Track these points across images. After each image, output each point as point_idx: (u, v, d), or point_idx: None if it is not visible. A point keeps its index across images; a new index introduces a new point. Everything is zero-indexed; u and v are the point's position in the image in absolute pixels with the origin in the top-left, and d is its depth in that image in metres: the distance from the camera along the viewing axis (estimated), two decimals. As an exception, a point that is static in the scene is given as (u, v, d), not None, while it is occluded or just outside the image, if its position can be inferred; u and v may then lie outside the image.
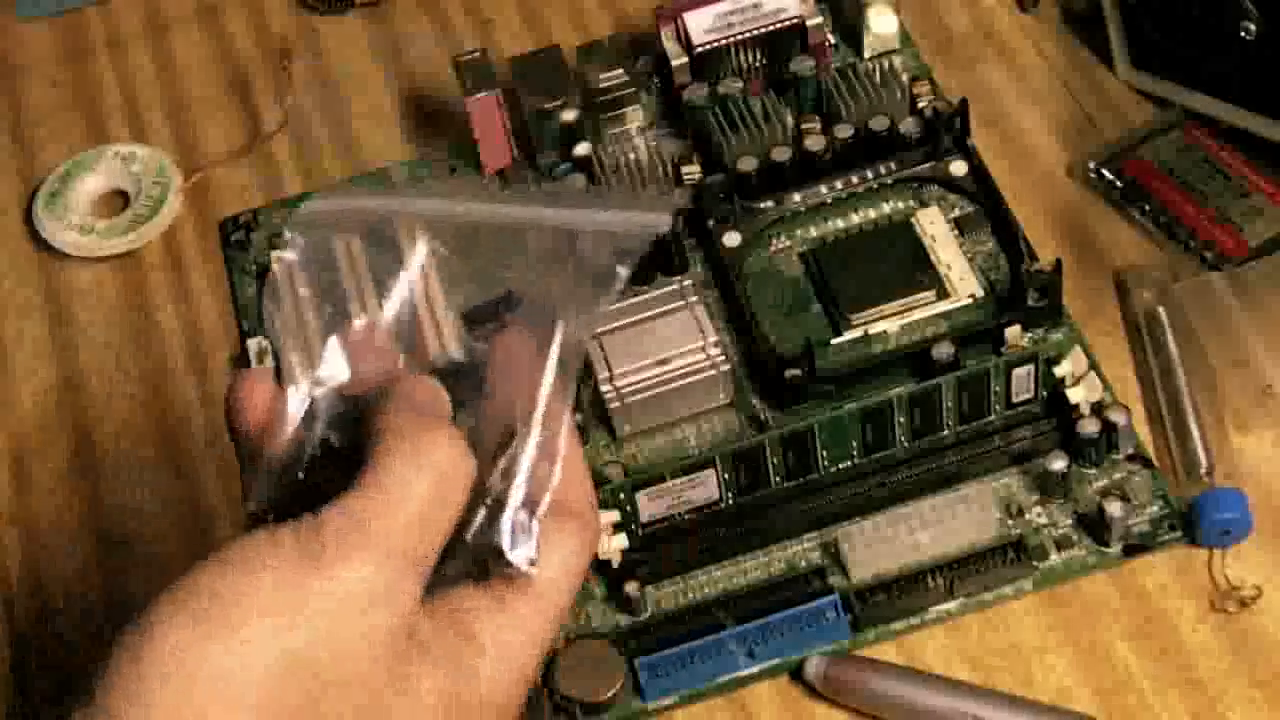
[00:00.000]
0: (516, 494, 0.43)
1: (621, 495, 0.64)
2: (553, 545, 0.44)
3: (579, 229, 0.45)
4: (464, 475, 0.43)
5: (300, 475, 0.45)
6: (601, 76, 0.78)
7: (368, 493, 0.42)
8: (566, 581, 0.45)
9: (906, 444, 0.66)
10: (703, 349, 0.69)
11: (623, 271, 0.44)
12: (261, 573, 0.41)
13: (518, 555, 0.43)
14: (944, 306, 0.71)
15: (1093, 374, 0.66)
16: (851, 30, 0.81)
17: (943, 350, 0.67)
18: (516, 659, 0.44)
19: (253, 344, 0.73)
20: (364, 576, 0.41)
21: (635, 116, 0.79)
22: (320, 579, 0.41)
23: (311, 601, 0.41)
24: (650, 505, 0.65)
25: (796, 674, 0.63)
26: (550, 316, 0.44)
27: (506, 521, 0.43)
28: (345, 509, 0.42)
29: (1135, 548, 0.64)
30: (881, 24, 0.80)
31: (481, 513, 0.43)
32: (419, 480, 0.42)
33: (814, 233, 0.74)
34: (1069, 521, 0.65)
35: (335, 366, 0.45)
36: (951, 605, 0.64)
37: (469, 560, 0.44)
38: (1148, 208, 0.73)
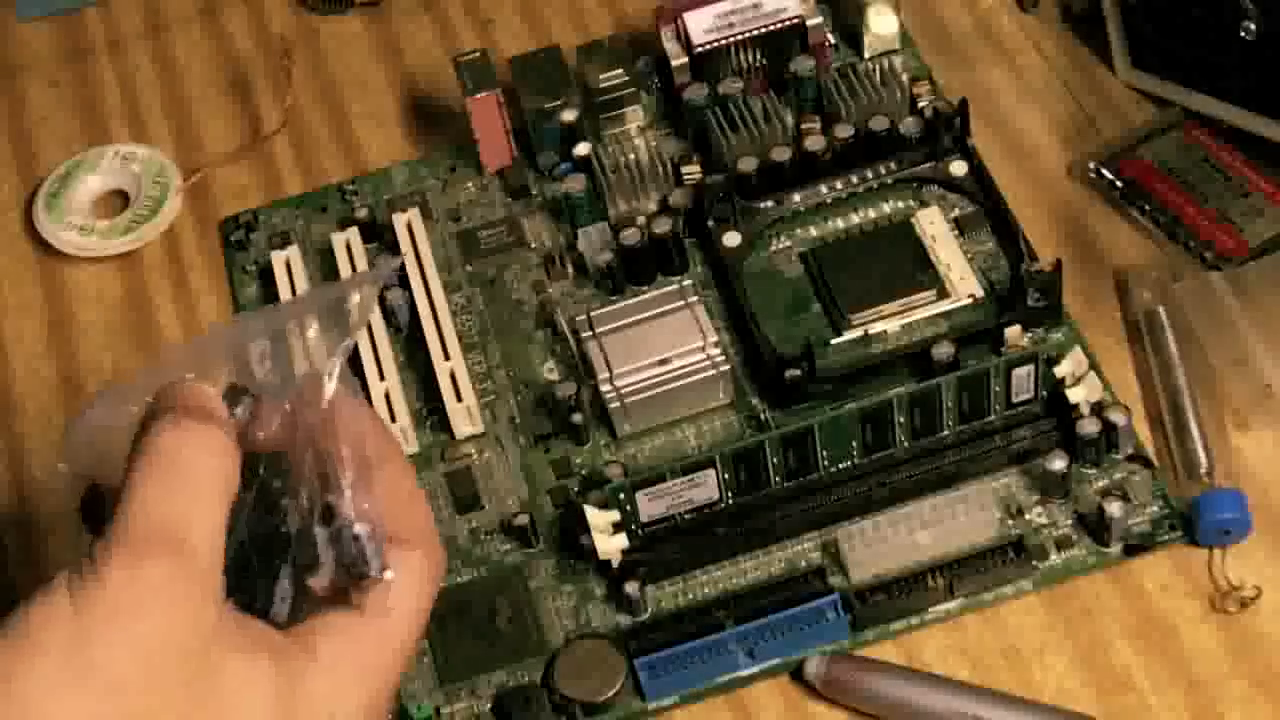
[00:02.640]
0: (353, 526, 0.45)
1: (621, 495, 0.64)
2: (398, 568, 0.45)
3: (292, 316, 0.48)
4: (219, 471, 0.44)
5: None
6: (601, 76, 0.78)
7: (126, 512, 0.43)
8: (413, 601, 0.46)
9: (906, 444, 0.66)
10: (703, 349, 0.69)
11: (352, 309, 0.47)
12: (44, 633, 0.42)
13: (371, 567, 0.44)
14: (944, 306, 0.71)
15: (1093, 374, 0.66)
16: (851, 30, 0.81)
17: (943, 350, 0.67)
18: (354, 679, 0.44)
19: (253, 344, 0.73)
20: (140, 580, 0.42)
21: (635, 116, 0.79)
22: (105, 607, 0.42)
23: (98, 627, 0.41)
24: (650, 505, 0.65)
25: (796, 674, 0.63)
26: (293, 384, 0.46)
27: (349, 544, 0.45)
28: (111, 536, 0.43)
29: (1135, 548, 0.64)
30: (881, 24, 0.80)
31: (325, 539, 0.45)
32: (174, 486, 0.44)
33: (814, 233, 0.74)
34: (1069, 521, 0.65)
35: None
36: (951, 605, 0.64)
37: (332, 576, 0.45)
38: (1148, 208, 0.73)
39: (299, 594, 0.45)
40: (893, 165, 0.74)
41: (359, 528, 0.44)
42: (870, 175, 0.74)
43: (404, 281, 0.74)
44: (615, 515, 0.64)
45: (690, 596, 0.65)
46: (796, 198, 0.74)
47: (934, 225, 0.73)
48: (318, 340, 0.47)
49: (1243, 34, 0.70)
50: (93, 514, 0.48)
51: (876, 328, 0.70)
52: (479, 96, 0.76)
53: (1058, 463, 0.64)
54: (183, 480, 0.44)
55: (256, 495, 0.46)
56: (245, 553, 0.45)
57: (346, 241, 0.76)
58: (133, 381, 0.46)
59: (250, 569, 0.45)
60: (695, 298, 0.70)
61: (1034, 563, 0.64)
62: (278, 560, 0.45)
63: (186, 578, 0.42)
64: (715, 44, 0.77)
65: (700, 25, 0.77)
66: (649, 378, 0.69)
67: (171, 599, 0.42)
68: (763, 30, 0.77)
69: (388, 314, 0.74)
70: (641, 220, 0.74)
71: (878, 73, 0.76)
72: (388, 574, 0.44)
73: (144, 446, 0.44)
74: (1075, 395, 0.65)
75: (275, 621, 0.45)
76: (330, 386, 0.46)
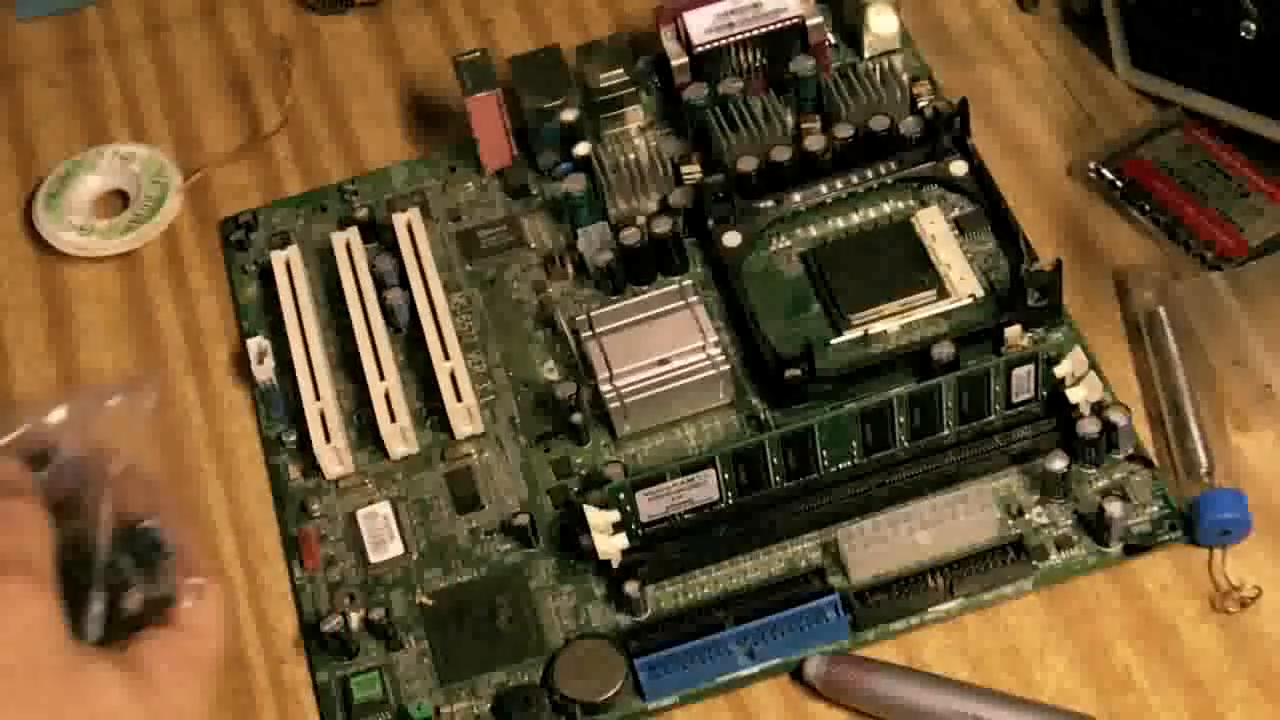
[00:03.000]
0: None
1: (621, 495, 0.64)
2: (198, 596, 0.53)
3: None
4: (40, 528, 0.51)
5: None
6: (601, 76, 0.78)
7: None
8: (215, 621, 0.53)
9: (906, 444, 0.66)
10: (703, 349, 0.69)
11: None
12: None
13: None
14: (944, 306, 0.71)
15: (1093, 374, 0.66)
16: (851, 30, 0.81)
17: (943, 350, 0.67)
18: (185, 675, 0.52)
19: (253, 344, 0.73)
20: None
21: (635, 116, 0.79)
22: None
23: None
24: (650, 505, 0.65)
25: (796, 674, 0.63)
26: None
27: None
28: None
29: (1135, 548, 0.64)
30: (881, 24, 0.80)
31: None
32: None
33: (814, 233, 0.74)
34: (1069, 521, 0.65)
35: None
36: (951, 605, 0.64)
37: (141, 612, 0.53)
38: (1148, 208, 0.73)
39: (111, 619, 0.52)
40: (893, 165, 0.74)
41: (166, 534, 0.53)
42: (870, 175, 0.74)
43: (404, 281, 0.74)
44: (615, 515, 0.64)
45: (690, 596, 0.65)
46: (796, 198, 0.74)
47: (934, 225, 0.73)
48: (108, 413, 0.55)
49: (1243, 34, 0.70)
50: None
51: (876, 328, 0.70)
52: (479, 96, 0.76)
53: (1058, 463, 0.64)
54: (17, 531, 0.50)
55: (64, 536, 0.52)
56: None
57: (346, 241, 0.76)
58: None
59: (68, 599, 0.51)
60: (695, 298, 0.70)
61: (1034, 563, 0.64)
62: (87, 588, 0.51)
63: (38, 592, 0.49)
64: (715, 44, 0.77)
65: (700, 25, 0.77)
66: (649, 378, 0.69)
67: (32, 609, 0.48)
68: (763, 30, 0.77)
69: (388, 314, 0.74)
70: (641, 220, 0.74)
71: (878, 73, 0.76)
72: (193, 580, 0.53)
73: None
74: (1075, 395, 0.65)
75: (87, 641, 0.51)
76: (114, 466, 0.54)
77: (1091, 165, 0.75)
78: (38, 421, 0.54)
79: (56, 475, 0.53)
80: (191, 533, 0.55)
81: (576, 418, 0.69)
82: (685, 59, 0.77)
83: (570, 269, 0.75)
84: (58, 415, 0.54)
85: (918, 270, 0.71)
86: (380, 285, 0.74)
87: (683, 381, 0.69)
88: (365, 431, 0.71)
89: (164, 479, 0.56)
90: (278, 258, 0.76)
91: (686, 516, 0.65)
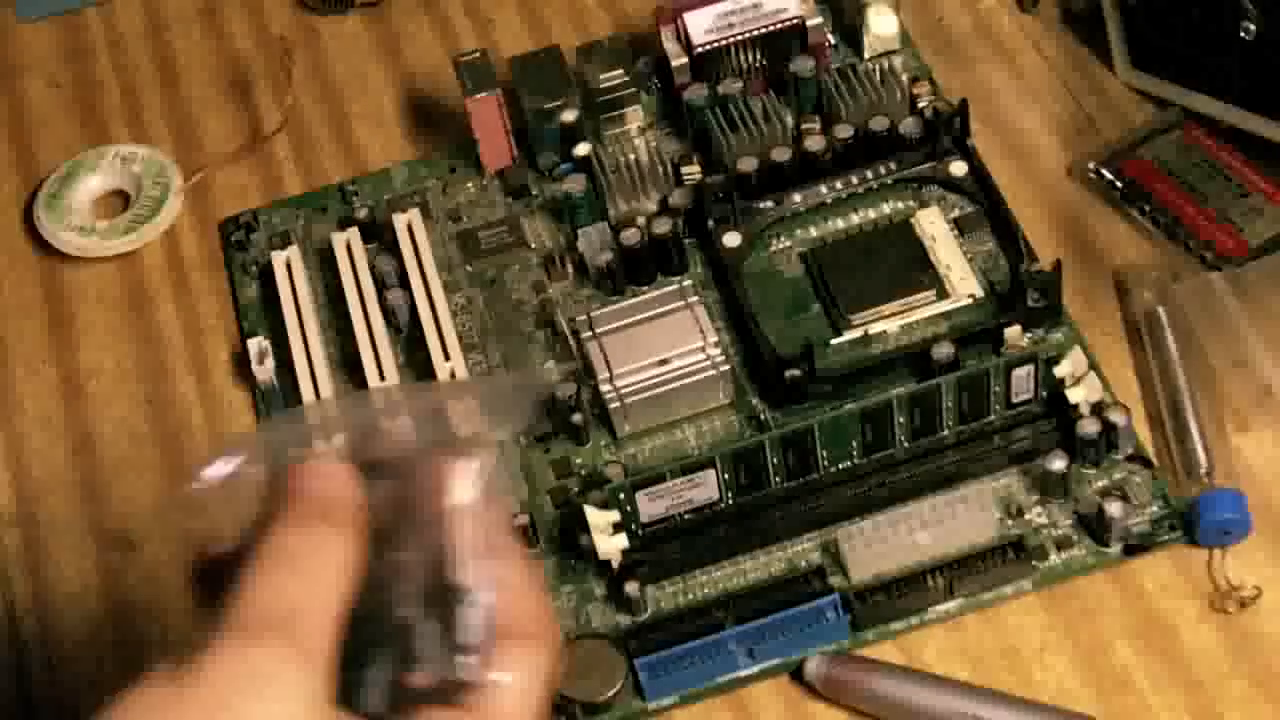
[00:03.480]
0: (465, 628, 0.43)
1: (621, 495, 0.64)
2: (510, 666, 0.43)
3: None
4: (340, 567, 0.42)
5: None
6: (601, 76, 0.78)
7: (239, 598, 0.41)
8: (526, 699, 0.43)
9: (906, 444, 0.66)
10: (703, 349, 0.69)
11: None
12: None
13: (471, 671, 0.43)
14: (944, 306, 0.71)
15: (1093, 374, 0.66)
16: (851, 30, 0.81)
17: (943, 350, 0.67)
18: None
19: (253, 344, 0.73)
20: (249, 664, 0.40)
21: (635, 116, 0.79)
22: (210, 690, 0.40)
23: (202, 713, 0.39)
24: (650, 505, 0.65)
25: (796, 674, 0.63)
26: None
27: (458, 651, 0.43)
28: (220, 619, 0.41)
29: (1135, 548, 0.64)
30: (881, 24, 0.80)
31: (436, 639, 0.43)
32: (289, 581, 0.42)
33: (814, 233, 0.74)
34: (1069, 521, 0.65)
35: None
36: (951, 605, 0.64)
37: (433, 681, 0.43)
38: (1148, 208, 0.73)
39: (396, 690, 0.42)
40: (893, 165, 0.74)
41: (480, 598, 0.42)
42: (870, 175, 0.74)
43: (404, 282, 0.74)
44: (615, 515, 0.64)
45: (690, 596, 0.65)
46: (796, 198, 0.74)
47: (934, 225, 0.73)
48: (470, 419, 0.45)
49: (1243, 34, 0.70)
50: (208, 583, 0.45)
51: (876, 328, 0.70)
52: (479, 96, 0.76)
53: (1058, 463, 0.64)
54: (301, 576, 0.42)
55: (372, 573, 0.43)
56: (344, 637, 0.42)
57: (346, 241, 0.76)
58: (251, 438, 0.44)
59: (347, 654, 0.42)
60: (695, 298, 0.70)
61: (1034, 563, 0.64)
62: (376, 648, 0.43)
63: (298, 665, 0.40)
64: (715, 44, 0.77)
65: (700, 25, 0.77)
66: (649, 378, 0.69)
67: (283, 686, 0.40)
68: (763, 30, 0.77)
69: (388, 314, 0.74)
70: (641, 220, 0.74)
71: (878, 73, 0.76)
72: (493, 676, 0.42)
73: (263, 543, 0.42)
74: (1075, 395, 0.65)
75: (366, 712, 0.42)
76: (468, 488, 0.43)
77: (1091, 165, 0.75)
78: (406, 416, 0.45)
79: (382, 493, 0.44)
80: (529, 587, 0.45)
81: (576, 418, 0.69)
82: (685, 59, 0.77)
83: (570, 269, 0.75)
84: (462, 408, 0.44)
85: (918, 270, 0.71)
86: (380, 285, 0.74)
87: (683, 381, 0.69)
88: (365, 431, 0.71)
89: (508, 535, 0.45)
90: (278, 258, 0.76)
91: (686, 516, 0.65)
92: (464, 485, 0.43)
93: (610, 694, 0.63)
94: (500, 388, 0.46)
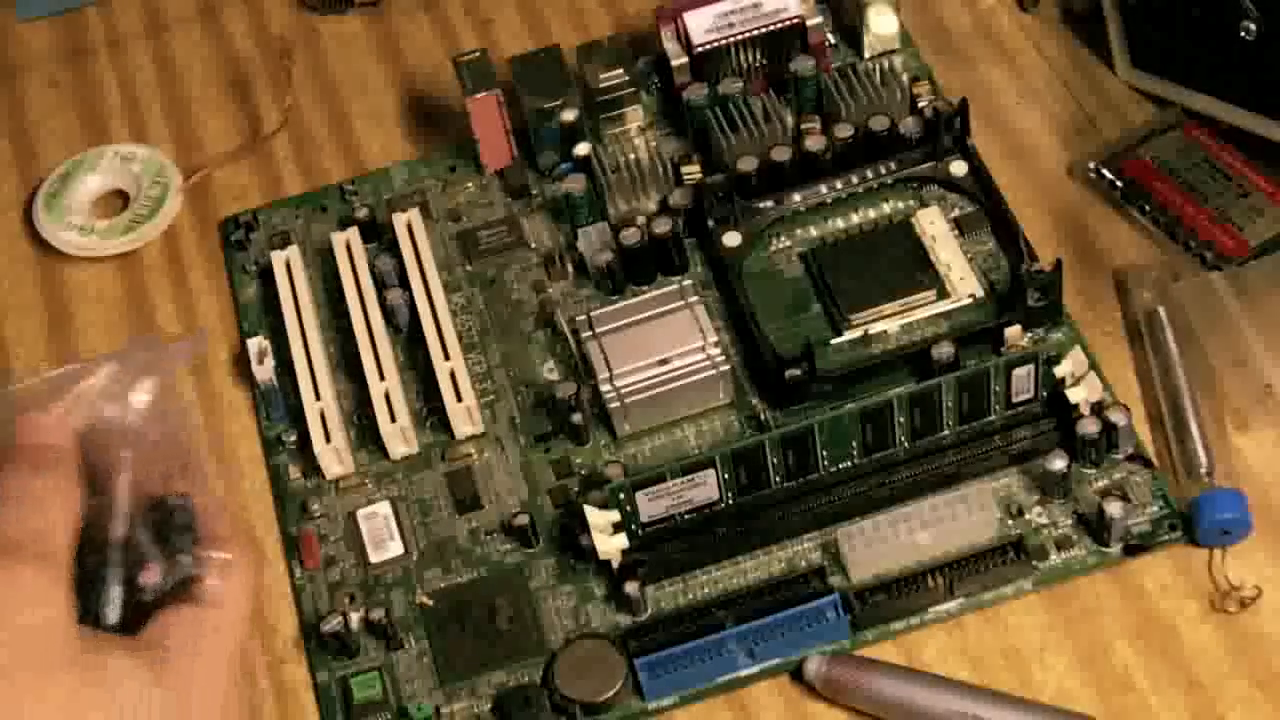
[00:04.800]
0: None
1: (621, 495, 0.64)
2: (222, 569, 0.51)
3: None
4: (67, 503, 0.50)
5: None
6: (601, 76, 0.78)
7: None
8: (240, 594, 0.51)
9: (906, 444, 0.66)
10: (703, 349, 0.69)
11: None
12: None
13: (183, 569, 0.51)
14: (944, 306, 0.71)
15: (1093, 374, 0.66)
16: (851, 30, 0.81)
17: (943, 350, 0.67)
18: (208, 654, 0.50)
19: (252, 344, 0.73)
20: (12, 580, 0.47)
21: (635, 116, 0.79)
22: None
23: None
24: (650, 505, 0.65)
25: (796, 674, 0.63)
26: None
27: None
28: None
29: (1135, 548, 0.64)
30: (881, 24, 0.80)
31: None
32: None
33: (814, 233, 0.74)
34: (1069, 521, 0.65)
35: None
36: (951, 605, 0.64)
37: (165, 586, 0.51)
38: (1148, 208, 0.73)
39: (129, 600, 0.50)
40: (893, 165, 0.74)
41: (183, 501, 0.51)
42: (870, 175, 0.74)
43: (404, 281, 0.74)
44: (615, 515, 0.64)
45: (690, 596, 0.65)
46: (796, 198, 0.74)
47: (934, 225, 0.73)
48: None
49: (1243, 34, 0.70)
50: None
51: (876, 328, 0.70)
52: (479, 96, 0.76)
53: (1058, 463, 0.64)
54: (39, 509, 0.49)
55: (91, 509, 0.50)
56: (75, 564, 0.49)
57: (346, 241, 0.76)
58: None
59: (81, 579, 0.49)
60: (695, 298, 0.70)
61: (1034, 563, 0.64)
62: (104, 569, 0.50)
63: (51, 579, 0.47)
64: (715, 44, 0.77)
65: (700, 25, 0.77)
66: (649, 378, 0.69)
67: (39, 596, 0.47)
68: (763, 30, 0.77)
69: (388, 314, 0.74)
70: (641, 220, 0.74)
71: (878, 73, 0.76)
72: (213, 554, 0.51)
73: (2, 486, 0.50)
74: (1075, 395, 0.65)
75: (106, 626, 0.49)
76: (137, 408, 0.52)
77: (1091, 165, 0.75)
78: (86, 380, 0.52)
79: (87, 442, 0.51)
80: (221, 502, 0.53)
81: (576, 418, 0.69)
82: (685, 59, 0.77)
83: (570, 269, 0.75)
84: (108, 370, 0.52)
85: (918, 270, 0.71)
86: (380, 285, 0.74)
87: (683, 381, 0.69)
88: (365, 431, 0.71)
89: (197, 446, 0.55)
90: (278, 258, 0.76)
91: (686, 516, 0.65)
92: (139, 411, 0.52)
93: (610, 694, 0.63)
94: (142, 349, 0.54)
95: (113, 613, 0.50)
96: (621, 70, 0.78)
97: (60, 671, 0.46)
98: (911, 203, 0.75)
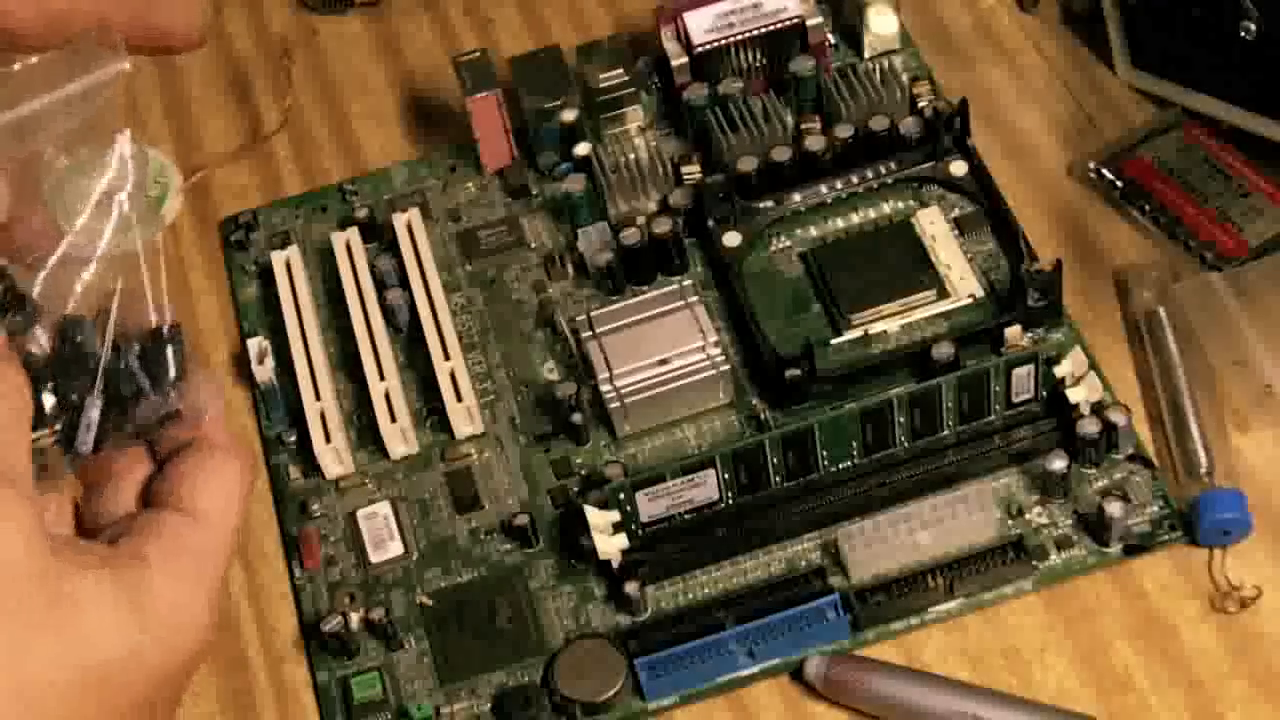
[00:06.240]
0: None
1: (621, 495, 0.64)
2: (209, 475, 0.48)
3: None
4: (13, 407, 0.45)
5: None
6: (601, 76, 0.78)
7: None
8: (228, 505, 0.48)
9: (906, 444, 0.66)
10: (703, 349, 0.69)
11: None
12: None
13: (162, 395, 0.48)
14: (944, 306, 0.71)
15: (1093, 374, 0.66)
16: (851, 30, 0.81)
17: (943, 350, 0.67)
18: (189, 574, 0.46)
19: (252, 344, 0.73)
20: None
21: (635, 116, 0.79)
22: None
23: None
24: (650, 505, 0.65)
25: (796, 674, 0.63)
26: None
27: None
28: None
29: (1135, 548, 0.64)
30: (881, 24, 0.80)
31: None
32: None
33: (814, 233, 0.74)
34: (1069, 521, 0.65)
35: None
36: (951, 605, 0.64)
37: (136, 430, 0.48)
38: (1148, 208, 0.73)
39: (105, 427, 0.47)
40: (893, 165, 0.74)
41: (174, 332, 0.49)
42: (870, 175, 0.74)
43: (404, 281, 0.74)
44: (615, 515, 0.64)
45: (690, 596, 0.65)
46: (796, 198, 0.74)
47: (934, 225, 0.73)
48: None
49: (1243, 34, 0.70)
50: None
51: (876, 328, 0.70)
52: (479, 96, 0.76)
53: (1058, 463, 0.64)
54: None
55: (59, 348, 0.48)
56: (42, 388, 0.47)
57: (346, 241, 0.76)
58: None
59: (56, 402, 0.47)
60: (695, 298, 0.70)
61: (1034, 563, 0.64)
62: (82, 395, 0.47)
63: (17, 501, 0.43)
64: (715, 44, 0.77)
65: (700, 25, 0.77)
66: (649, 378, 0.69)
67: (7, 521, 0.43)
68: (763, 30, 0.77)
69: (388, 314, 0.74)
70: (641, 220, 0.74)
71: (878, 73, 0.76)
72: (200, 380, 0.48)
73: None
74: (1075, 395, 0.65)
75: (79, 452, 0.47)
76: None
77: (1091, 165, 0.75)
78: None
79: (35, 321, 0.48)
80: (219, 396, 0.50)
81: (576, 418, 0.69)
82: (685, 59, 0.77)
83: (570, 269, 0.75)
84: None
85: (918, 270, 0.71)
86: (380, 285, 0.74)
87: (683, 381, 0.69)
88: (365, 431, 0.71)
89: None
90: (278, 258, 0.76)
91: (686, 516, 0.65)
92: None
93: (610, 694, 0.63)
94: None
95: (87, 440, 0.47)
96: (621, 70, 0.78)
97: (24, 590, 0.43)
98: (911, 203, 0.75)
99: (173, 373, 0.48)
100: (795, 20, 0.77)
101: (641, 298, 0.71)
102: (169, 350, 0.49)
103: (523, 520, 0.67)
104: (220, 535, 0.48)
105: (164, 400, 0.48)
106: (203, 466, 0.48)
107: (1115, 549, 0.64)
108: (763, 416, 0.69)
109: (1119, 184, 0.74)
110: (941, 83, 0.78)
